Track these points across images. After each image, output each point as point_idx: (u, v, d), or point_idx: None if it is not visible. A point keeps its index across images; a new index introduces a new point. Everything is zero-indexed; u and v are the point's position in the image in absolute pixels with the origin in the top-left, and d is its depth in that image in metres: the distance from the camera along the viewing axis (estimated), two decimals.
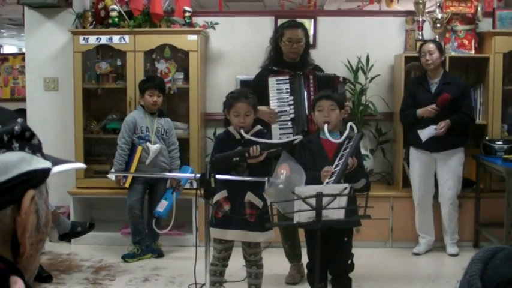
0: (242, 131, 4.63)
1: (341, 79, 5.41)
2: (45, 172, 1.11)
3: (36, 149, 1.10)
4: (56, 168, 1.15)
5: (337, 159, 4.40)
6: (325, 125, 4.57)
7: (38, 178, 1.09)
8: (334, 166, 4.36)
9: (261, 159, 4.55)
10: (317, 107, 4.68)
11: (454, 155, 6.26)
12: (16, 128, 1.05)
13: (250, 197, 4.64)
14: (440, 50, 6.19)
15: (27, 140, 1.08)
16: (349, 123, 4.57)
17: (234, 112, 4.66)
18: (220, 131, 5.48)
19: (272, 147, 4.62)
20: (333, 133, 4.59)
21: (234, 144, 4.65)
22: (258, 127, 4.78)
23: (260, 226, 4.60)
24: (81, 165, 1.27)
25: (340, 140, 4.51)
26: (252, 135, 4.65)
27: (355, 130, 4.59)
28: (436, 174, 6.38)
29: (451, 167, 6.26)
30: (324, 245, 4.11)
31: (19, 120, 1.07)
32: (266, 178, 4.39)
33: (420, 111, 6.11)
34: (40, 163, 1.09)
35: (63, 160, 1.19)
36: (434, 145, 6.16)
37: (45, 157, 1.12)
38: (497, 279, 0.92)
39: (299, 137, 4.96)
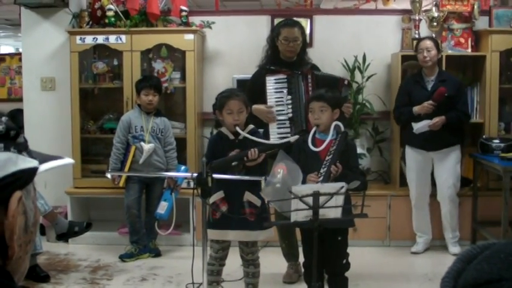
0: (237, 128, 4.63)
1: (346, 82, 5.40)
2: (32, 171, 1.08)
3: (22, 148, 1.07)
4: (43, 167, 1.12)
5: (322, 165, 4.38)
6: (313, 128, 4.57)
7: (24, 178, 1.07)
8: (321, 171, 4.35)
9: (259, 162, 4.55)
10: (309, 108, 4.67)
11: (450, 153, 6.25)
12: (0, 127, 1.04)
13: (248, 196, 4.64)
14: (438, 47, 6.20)
15: (12, 139, 1.06)
16: (334, 123, 4.53)
17: (227, 110, 4.66)
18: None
19: (269, 149, 4.62)
20: (326, 133, 4.56)
21: (228, 145, 4.65)
22: (251, 126, 4.78)
23: (260, 225, 4.60)
24: (69, 160, 1.23)
25: (323, 147, 4.48)
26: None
27: (342, 128, 4.56)
28: (434, 173, 6.38)
29: (448, 166, 6.26)
30: (320, 244, 4.10)
31: (3, 119, 1.04)
32: (263, 177, 4.40)
33: (417, 109, 6.10)
34: (26, 162, 1.07)
35: (52, 156, 1.16)
36: (431, 144, 6.15)
37: (31, 155, 1.09)
38: (463, 283, 0.90)
39: (296, 137, 4.96)
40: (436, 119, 6.02)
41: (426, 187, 6.40)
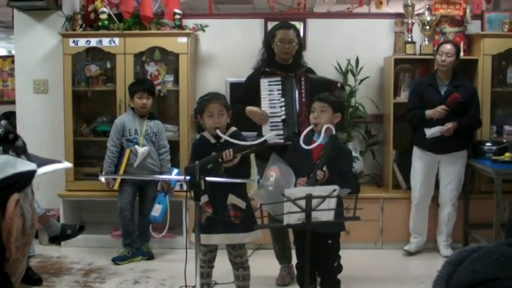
0: (218, 131, 4.63)
1: (339, 85, 5.41)
2: (30, 175, 1.09)
3: (21, 151, 1.08)
4: (42, 170, 1.12)
5: (314, 169, 4.39)
6: (310, 127, 4.58)
7: (22, 181, 1.07)
8: (311, 176, 4.36)
9: (235, 162, 4.54)
10: (311, 108, 4.69)
11: (458, 158, 6.30)
12: (0, 130, 1.04)
13: (232, 199, 4.64)
14: (458, 54, 6.21)
15: (11, 143, 1.06)
16: (325, 126, 4.53)
17: (207, 113, 4.66)
18: None
19: (246, 149, 4.60)
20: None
21: (210, 149, 4.64)
22: (233, 129, 4.78)
23: (245, 227, 4.62)
24: (67, 164, 1.23)
25: (313, 146, 4.50)
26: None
27: (333, 132, 4.56)
28: (438, 175, 6.41)
29: (454, 169, 6.30)
30: (311, 247, 4.11)
31: (2, 122, 1.06)
32: (255, 179, 4.41)
33: (430, 113, 6.11)
34: (25, 165, 1.07)
35: (49, 160, 1.17)
36: (440, 147, 6.18)
37: (30, 158, 1.10)
38: (456, 284, 0.92)
39: (272, 134, 4.97)
40: (448, 125, 6.04)
41: (430, 189, 6.43)
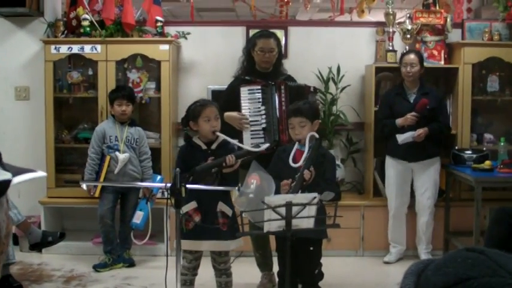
0: (218, 133, 4.67)
1: (312, 89, 5.45)
2: (5, 184, 1.09)
3: None
4: (17, 179, 1.12)
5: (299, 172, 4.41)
6: (295, 145, 4.59)
7: None
8: (295, 177, 4.38)
9: (236, 168, 4.58)
10: (289, 124, 4.71)
11: (431, 164, 6.32)
12: None
13: (221, 206, 4.67)
14: (421, 62, 6.26)
15: None
16: (309, 135, 4.55)
17: (204, 118, 4.67)
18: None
19: (244, 155, 4.64)
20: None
21: (201, 156, 4.64)
22: (223, 136, 4.81)
23: (231, 234, 4.64)
24: (42, 174, 1.24)
25: (300, 163, 4.51)
26: (217, 145, 4.69)
27: (317, 135, 4.57)
28: (413, 183, 6.43)
29: (429, 176, 6.32)
30: (293, 254, 4.12)
31: None
32: (236, 187, 4.43)
33: (400, 121, 6.15)
34: (0, 175, 1.08)
35: (24, 169, 1.17)
36: (412, 154, 6.21)
37: (5, 168, 1.10)
38: None
39: (266, 146, 4.98)
40: (419, 131, 6.07)
41: (405, 198, 6.44)
